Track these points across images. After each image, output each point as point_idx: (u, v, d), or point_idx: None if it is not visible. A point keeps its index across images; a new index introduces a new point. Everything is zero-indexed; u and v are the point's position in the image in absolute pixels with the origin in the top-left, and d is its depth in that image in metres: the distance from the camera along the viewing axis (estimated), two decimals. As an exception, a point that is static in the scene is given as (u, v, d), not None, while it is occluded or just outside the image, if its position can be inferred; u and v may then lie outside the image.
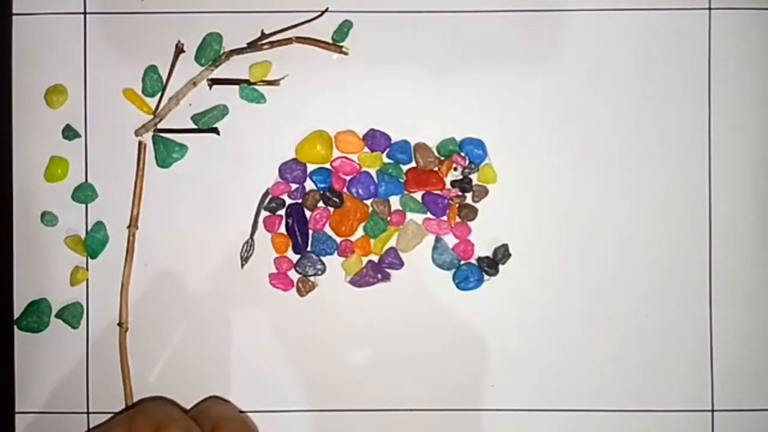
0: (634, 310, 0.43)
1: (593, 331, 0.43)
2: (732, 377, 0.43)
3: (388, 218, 0.43)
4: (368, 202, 0.43)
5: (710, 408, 0.43)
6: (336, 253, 0.43)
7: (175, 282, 0.43)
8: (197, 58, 0.43)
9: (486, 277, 0.43)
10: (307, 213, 0.43)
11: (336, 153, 0.43)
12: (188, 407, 0.43)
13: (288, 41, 0.42)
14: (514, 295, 0.43)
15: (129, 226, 0.43)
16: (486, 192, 0.43)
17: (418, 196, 0.43)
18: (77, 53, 0.43)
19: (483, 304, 0.43)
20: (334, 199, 0.42)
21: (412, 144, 0.43)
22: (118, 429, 0.37)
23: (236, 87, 0.43)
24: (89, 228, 0.43)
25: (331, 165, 0.43)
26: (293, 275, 0.43)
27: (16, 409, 0.43)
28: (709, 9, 0.43)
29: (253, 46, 0.42)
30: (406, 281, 0.43)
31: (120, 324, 0.42)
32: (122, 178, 0.43)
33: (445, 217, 0.43)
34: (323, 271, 0.43)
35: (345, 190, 0.43)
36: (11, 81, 0.43)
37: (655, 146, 0.43)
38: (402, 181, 0.43)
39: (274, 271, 0.43)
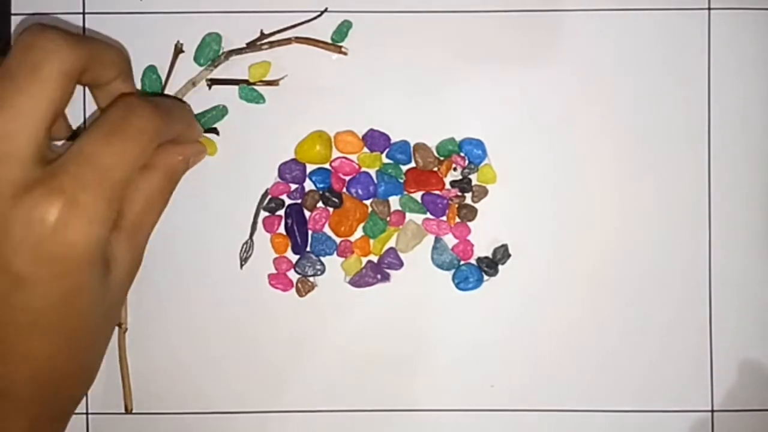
0: (634, 310, 0.43)
1: (593, 331, 0.43)
2: (732, 377, 0.43)
3: (388, 218, 0.42)
4: (368, 202, 0.43)
5: (710, 408, 0.43)
6: (335, 253, 0.43)
7: (174, 282, 0.43)
8: (196, 59, 0.43)
9: (485, 277, 0.43)
10: (307, 213, 0.43)
11: (335, 153, 0.43)
12: (187, 410, 0.43)
13: (287, 41, 0.42)
14: (513, 295, 0.43)
15: (128, 227, 0.42)
16: (485, 192, 0.43)
17: (417, 196, 0.43)
18: (76, 53, 0.43)
19: (482, 304, 0.43)
20: (334, 199, 0.42)
21: (412, 144, 0.43)
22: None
23: (235, 87, 0.43)
24: (88, 228, 0.43)
25: (330, 165, 0.43)
26: (293, 275, 0.43)
27: (15, 410, 0.43)
28: (709, 9, 0.43)
29: (252, 46, 0.42)
30: (405, 281, 0.43)
31: (119, 325, 0.42)
32: (121, 179, 0.43)
33: (444, 218, 0.43)
34: (323, 271, 0.43)
35: (344, 190, 0.43)
36: (10, 81, 0.43)
37: (654, 146, 0.43)
38: (401, 181, 0.43)
39: (274, 271, 0.43)
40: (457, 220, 0.43)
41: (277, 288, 0.43)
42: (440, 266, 0.43)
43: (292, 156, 0.43)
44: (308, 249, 0.43)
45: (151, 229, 0.38)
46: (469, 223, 0.43)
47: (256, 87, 0.43)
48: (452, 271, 0.43)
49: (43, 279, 0.30)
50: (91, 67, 0.33)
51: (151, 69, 0.42)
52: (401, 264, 0.43)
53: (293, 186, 0.43)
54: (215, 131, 0.43)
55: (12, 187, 0.29)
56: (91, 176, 0.30)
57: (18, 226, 0.29)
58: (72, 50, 0.31)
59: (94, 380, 0.37)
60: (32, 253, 0.29)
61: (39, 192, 0.29)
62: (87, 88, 0.37)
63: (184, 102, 0.41)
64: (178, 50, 0.42)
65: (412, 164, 0.43)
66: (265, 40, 0.42)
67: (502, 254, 0.42)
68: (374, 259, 0.43)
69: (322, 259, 0.43)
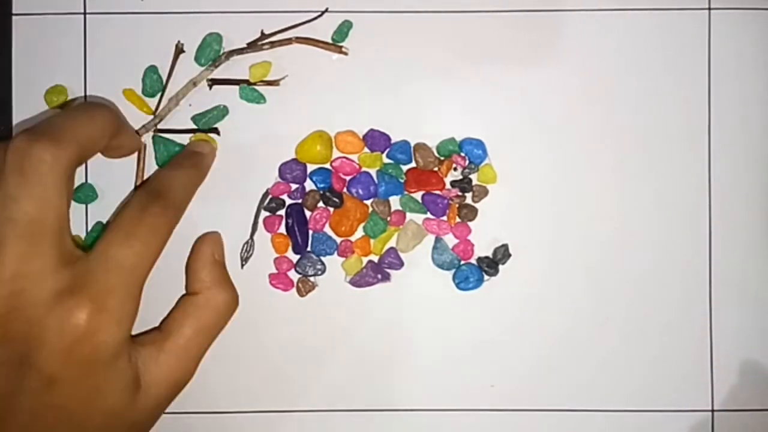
0: (634, 310, 0.43)
1: (593, 331, 0.43)
2: (732, 377, 0.43)
3: (388, 218, 0.43)
4: (368, 202, 0.43)
5: (710, 408, 0.43)
6: (336, 253, 0.43)
7: (176, 282, 0.43)
8: (197, 59, 0.43)
9: (486, 277, 0.43)
10: (307, 213, 0.43)
11: (336, 153, 0.43)
12: (188, 409, 0.43)
13: (288, 41, 0.42)
14: (514, 295, 0.43)
15: (129, 227, 0.43)
16: (486, 192, 0.43)
17: (418, 196, 0.43)
18: (77, 53, 0.43)
19: (483, 304, 0.43)
20: (334, 199, 0.42)
21: (412, 144, 0.43)
22: None
23: (236, 87, 0.43)
24: (89, 228, 0.43)
25: (331, 165, 0.43)
26: (293, 275, 0.43)
27: (16, 410, 0.43)
28: (709, 9, 0.43)
29: (253, 46, 0.43)
30: (406, 281, 0.43)
31: (120, 324, 0.42)
32: (122, 179, 0.43)
33: (445, 217, 0.43)
34: (323, 271, 0.43)
35: (345, 190, 0.43)
36: (11, 81, 0.43)
37: (654, 146, 0.43)
38: (402, 181, 0.43)
39: (274, 271, 0.43)
40: (458, 219, 0.43)
41: (277, 288, 0.43)
42: (441, 266, 0.43)
43: (292, 156, 0.43)
44: (309, 249, 0.43)
45: (202, 353, 0.39)
46: (469, 223, 0.43)
47: (256, 87, 0.43)
48: (453, 270, 0.43)
49: (73, 379, 0.32)
50: (85, 148, 0.35)
51: (152, 69, 0.43)
52: (402, 264, 0.43)
53: (294, 186, 0.43)
54: (216, 131, 0.43)
55: (44, 298, 0.32)
56: (115, 280, 0.33)
57: (52, 333, 0.31)
58: (62, 148, 0.33)
59: None
60: (65, 356, 0.32)
61: (70, 301, 0.32)
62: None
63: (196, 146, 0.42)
64: (179, 50, 0.43)
65: (413, 164, 0.43)
66: (266, 40, 0.42)
67: (502, 254, 0.42)
68: (375, 258, 0.43)
69: (323, 258, 0.43)
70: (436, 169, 0.43)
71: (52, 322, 0.32)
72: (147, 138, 0.43)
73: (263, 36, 0.42)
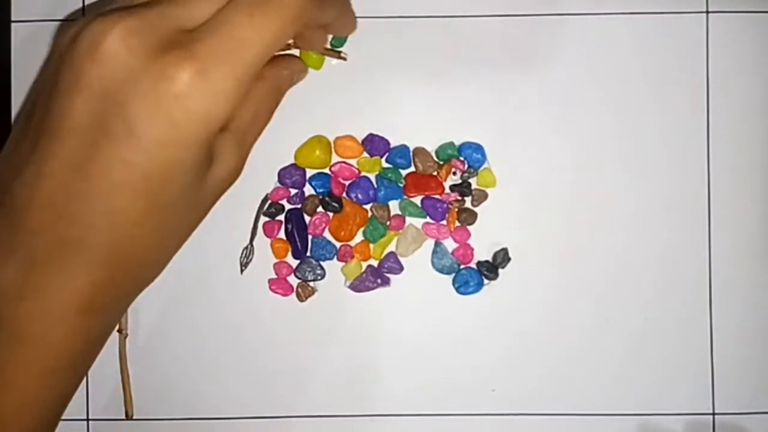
0: (634, 312, 0.43)
1: (593, 335, 0.43)
2: (733, 380, 0.43)
3: (388, 223, 0.43)
4: (367, 206, 0.43)
5: (711, 411, 0.43)
6: (335, 258, 0.43)
7: (175, 288, 0.43)
8: (196, 64, 0.43)
9: (486, 281, 0.43)
10: (307, 218, 0.43)
11: (335, 158, 0.43)
12: (188, 416, 0.43)
13: (286, 46, 0.42)
14: (514, 299, 0.43)
15: (128, 232, 0.42)
16: (485, 196, 0.43)
17: (417, 200, 0.43)
18: (76, 60, 0.43)
19: (483, 308, 0.43)
20: (334, 203, 0.42)
21: (411, 148, 0.43)
22: None
23: (235, 92, 0.43)
24: (88, 234, 0.43)
25: (330, 170, 0.43)
26: (293, 280, 0.43)
27: (16, 417, 0.43)
28: (707, 12, 0.43)
29: (251, 51, 0.42)
30: (405, 286, 0.43)
31: (119, 330, 0.42)
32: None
33: (444, 222, 0.43)
34: (323, 276, 0.43)
35: (344, 194, 0.43)
36: (10, 89, 0.43)
37: (654, 149, 0.43)
38: (401, 185, 0.43)
39: (274, 276, 0.43)
40: (457, 224, 0.43)
41: (277, 293, 0.43)
42: (440, 270, 0.43)
43: (291, 161, 0.43)
44: (308, 254, 0.43)
45: (255, 140, 0.37)
46: (469, 227, 0.43)
47: (255, 92, 0.43)
48: (452, 275, 0.43)
49: (152, 138, 0.29)
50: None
51: (150, 75, 0.43)
52: (401, 268, 0.43)
53: (293, 191, 0.43)
54: (215, 136, 0.43)
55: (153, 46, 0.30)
56: (225, 50, 0.30)
57: (147, 81, 0.29)
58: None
59: (159, 272, 0.36)
60: (152, 108, 0.29)
61: (175, 55, 0.29)
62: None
63: None
64: (178, 56, 0.43)
65: (412, 168, 0.43)
66: (265, 46, 0.42)
67: (502, 258, 0.42)
68: (374, 263, 0.43)
69: (323, 263, 0.43)
70: (435, 173, 0.43)
71: (152, 69, 0.29)
72: (146, 144, 0.43)
73: (262, 41, 0.42)
